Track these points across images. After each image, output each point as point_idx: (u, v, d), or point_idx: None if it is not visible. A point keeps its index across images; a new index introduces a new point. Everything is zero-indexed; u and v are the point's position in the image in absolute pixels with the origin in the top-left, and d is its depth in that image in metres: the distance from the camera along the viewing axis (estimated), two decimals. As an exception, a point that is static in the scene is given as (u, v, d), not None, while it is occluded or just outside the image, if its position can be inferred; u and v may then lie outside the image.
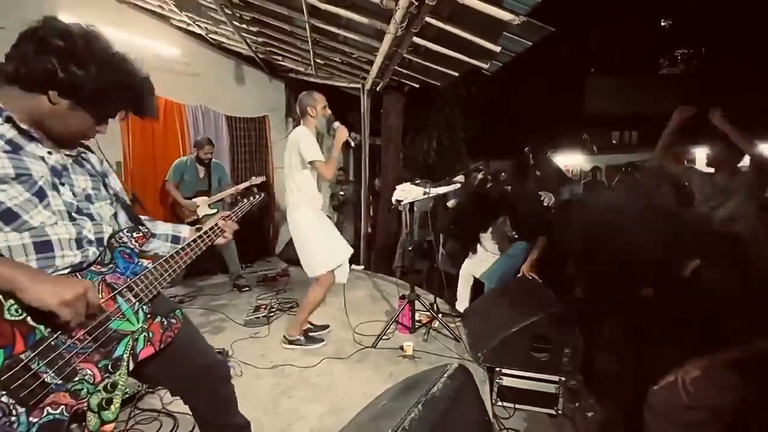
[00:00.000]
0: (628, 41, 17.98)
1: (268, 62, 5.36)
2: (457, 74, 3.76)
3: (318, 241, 2.39)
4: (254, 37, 4.30)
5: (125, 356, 1.00)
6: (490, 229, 3.13)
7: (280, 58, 5.03)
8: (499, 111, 10.68)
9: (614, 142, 14.11)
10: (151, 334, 1.06)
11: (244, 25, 3.96)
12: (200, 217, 3.78)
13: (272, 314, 3.08)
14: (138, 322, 1.04)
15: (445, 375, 1.28)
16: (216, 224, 1.28)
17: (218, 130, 5.22)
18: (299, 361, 2.36)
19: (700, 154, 7.09)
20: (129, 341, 1.01)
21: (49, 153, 0.95)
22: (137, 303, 1.04)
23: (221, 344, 2.50)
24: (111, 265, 1.03)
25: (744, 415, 1.50)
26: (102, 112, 1.00)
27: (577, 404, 2.28)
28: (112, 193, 1.13)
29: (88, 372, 0.92)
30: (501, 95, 10.65)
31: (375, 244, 5.26)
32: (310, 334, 2.60)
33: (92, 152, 1.14)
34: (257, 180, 4.04)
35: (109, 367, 0.96)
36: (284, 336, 2.53)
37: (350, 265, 4.79)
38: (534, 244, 2.91)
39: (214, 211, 3.80)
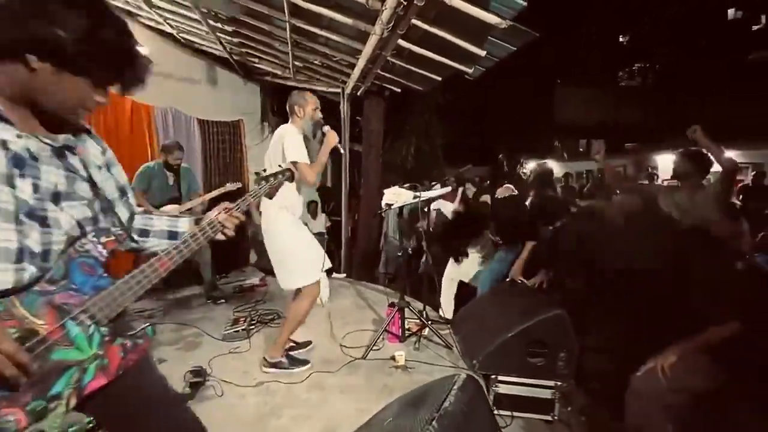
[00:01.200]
0: (590, 55, 18.95)
1: (243, 64, 5.19)
2: (440, 78, 3.75)
3: (300, 250, 2.23)
4: (230, 38, 4.14)
5: (66, 393, 0.80)
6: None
7: (256, 60, 4.87)
8: (475, 118, 10.90)
9: (581, 150, 14.73)
10: (105, 362, 0.86)
11: (219, 24, 3.79)
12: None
13: (252, 327, 2.90)
14: (90, 349, 0.84)
15: (456, 387, 1.20)
16: (215, 218, 1.05)
17: (189, 134, 4.97)
18: (285, 376, 2.21)
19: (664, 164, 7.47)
20: (74, 373, 0.81)
21: (19, 137, 0.77)
22: (92, 326, 0.84)
23: (198, 361, 2.30)
24: (64, 282, 0.83)
25: (719, 395, 1.59)
26: (96, 74, 0.81)
27: (569, 408, 2.25)
28: (104, 192, 0.95)
29: (11, 418, 0.72)
30: (477, 102, 10.88)
31: (357, 251, 5.14)
32: (292, 353, 2.41)
33: (95, 141, 0.96)
34: (232, 187, 3.82)
35: (40, 409, 0.76)
36: (264, 359, 2.31)
37: (330, 273, 4.75)
38: (521, 249, 2.90)
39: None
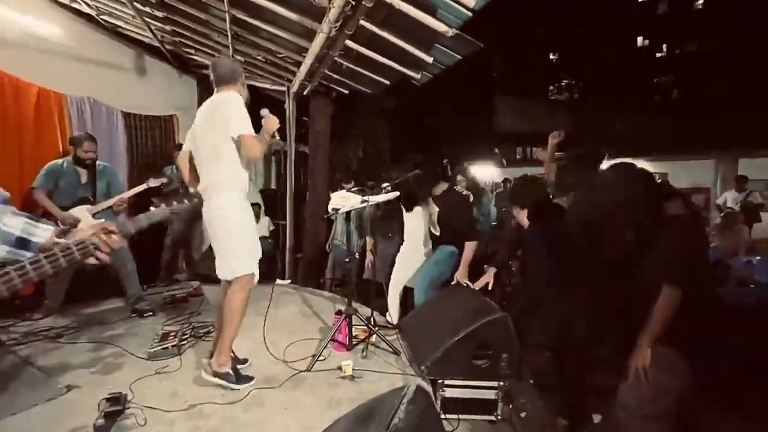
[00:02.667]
0: (523, 70, 20.41)
1: (178, 55, 4.78)
2: (388, 82, 3.75)
3: (245, 234, 2.06)
4: (160, 24, 3.78)
5: None
6: (414, 216, 3.08)
7: (192, 51, 4.51)
8: (421, 122, 11.15)
9: (518, 157, 15.75)
10: None
11: (147, 9, 3.45)
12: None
13: (184, 341, 2.64)
14: None
15: (405, 401, 1.16)
16: (88, 238, 0.92)
17: (112, 129, 4.47)
18: (221, 396, 2.02)
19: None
20: None
21: None
22: None
23: (117, 386, 2.02)
24: None
25: (698, 394, 1.59)
26: None
27: (511, 406, 2.34)
28: None
29: None
30: (423, 107, 11.14)
31: (303, 256, 4.96)
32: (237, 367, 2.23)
33: None
34: (155, 182, 3.46)
35: None
36: (208, 367, 2.09)
37: (274, 280, 4.52)
38: (463, 250, 2.92)
39: (102, 221, 3.17)
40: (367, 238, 3.91)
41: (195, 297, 3.76)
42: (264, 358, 2.44)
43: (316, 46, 2.98)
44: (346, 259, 2.65)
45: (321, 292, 4.02)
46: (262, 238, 6.25)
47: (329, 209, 2.34)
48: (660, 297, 1.57)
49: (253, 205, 6.60)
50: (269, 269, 5.63)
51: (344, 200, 2.28)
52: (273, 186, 7.28)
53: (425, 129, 11.28)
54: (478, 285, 2.66)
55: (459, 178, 3.86)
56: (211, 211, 2.05)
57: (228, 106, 1.97)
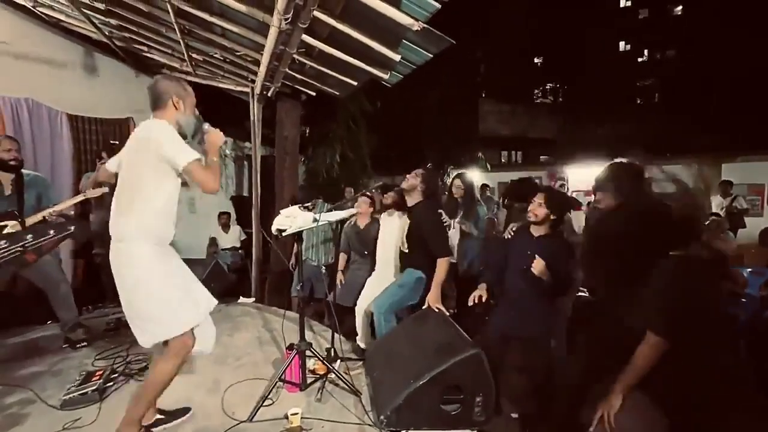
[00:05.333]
0: (508, 74, 20.46)
1: (132, 53, 4.39)
2: (355, 83, 3.44)
3: (166, 292, 1.65)
4: (103, 18, 3.40)
5: None
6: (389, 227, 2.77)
7: (144, 48, 4.13)
8: (404, 126, 10.88)
9: (503, 160, 15.64)
10: None
11: (86, 0, 3.07)
12: (8, 249, 2.71)
13: (111, 382, 2.26)
14: None
15: None
16: None
17: (55, 133, 4.06)
18: (138, 459, 1.66)
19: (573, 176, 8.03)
20: None
21: None
22: None
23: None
24: None
25: None
26: None
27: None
28: None
29: None
30: (406, 111, 10.88)
31: (269, 271, 4.60)
32: (165, 427, 1.87)
33: None
34: (94, 192, 3.05)
35: None
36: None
37: (238, 298, 4.14)
38: (435, 269, 2.59)
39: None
40: (341, 254, 3.57)
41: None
42: (200, 405, 2.08)
43: (270, 42, 2.66)
44: (299, 283, 2.30)
45: (288, 313, 3.66)
46: (232, 249, 5.94)
47: (273, 230, 2.01)
48: (642, 342, 1.41)
49: (222, 213, 6.16)
50: (238, 282, 5.26)
51: (290, 220, 1.95)
52: (245, 193, 6.90)
53: (407, 133, 11.02)
54: (474, 296, 2.30)
55: (457, 183, 3.55)
56: (117, 261, 1.66)
57: (162, 137, 1.61)
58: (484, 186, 7.27)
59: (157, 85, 1.73)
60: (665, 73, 19.78)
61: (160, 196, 1.66)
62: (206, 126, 1.84)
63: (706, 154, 8.12)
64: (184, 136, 1.75)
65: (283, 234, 1.95)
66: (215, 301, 1.84)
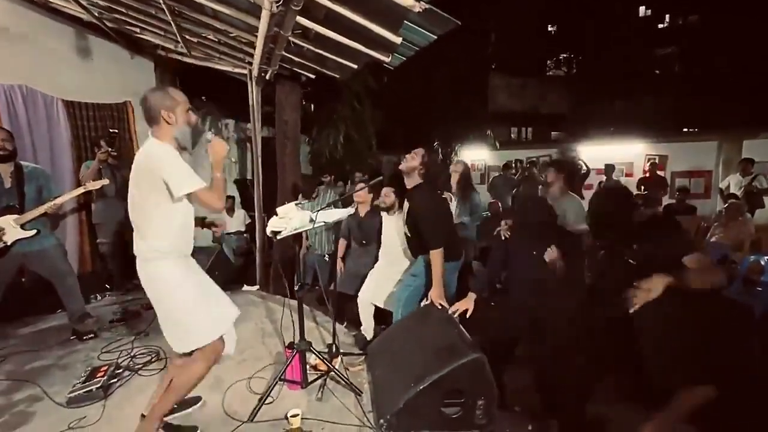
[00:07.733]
0: (520, 44, 19.52)
1: (126, 34, 4.23)
2: (355, 66, 3.27)
3: (198, 303, 1.69)
4: (91, -2, 3.24)
5: None
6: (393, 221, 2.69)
7: (137, 30, 3.96)
8: (410, 102, 10.56)
9: (512, 137, 15.23)
10: None
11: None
12: (8, 244, 2.70)
13: (115, 378, 2.29)
14: None
15: None
16: None
17: (52, 120, 3.97)
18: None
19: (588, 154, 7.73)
20: None
21: None
22: None
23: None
24: None
25: None
26: None
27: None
28: None
29: None
30: (412, 86, 10.52)
31: (273, 257, 4.58)
32: (174, 418, 1.90)
33: None
34: (95, 185, 3.01)
35: None
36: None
37: (241, 286, 4.16)
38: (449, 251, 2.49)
39: (33, 232, 2.75)
40: (340, 240, 3.53)
41: (149, 309, 3.39)
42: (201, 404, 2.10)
43: (263, 25, 2.50)
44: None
45: (291, 302, 3.65)
46: (237, 233, 5.93)
47: (268, 232, 1.94)
48: (694, 394, 1.41)
49: (227, 197, 6.15)
50: (243, 268, 5.28)
51: (285, 221, 1.87)
52: (249, 176, 6.82)
53: (413, 109, 10.70)
54: (455, 311, 2.28)
55: (456, 160, 3.46)
56: (146, 281, 1.68)
57: (162, 164, 1.56)
58: (507, 164, 6.97)
59: (145, 103, 1.67)
60: (686, 41, 18.70)
61: (176, 215, 1.66)
62: (209, 135, 1.77)
63: (726, 130, 7.76)
64: (189, 148, 1.71)
65: (278, 237, 1.89)
66: (237, 310, 1.85)
